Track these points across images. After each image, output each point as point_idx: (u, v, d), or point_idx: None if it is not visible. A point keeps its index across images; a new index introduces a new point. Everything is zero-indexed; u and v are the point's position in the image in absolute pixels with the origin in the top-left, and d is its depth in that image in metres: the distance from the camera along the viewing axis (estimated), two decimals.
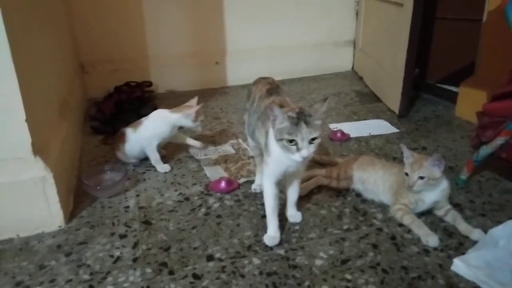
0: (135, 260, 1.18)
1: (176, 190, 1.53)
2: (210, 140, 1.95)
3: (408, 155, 1.30)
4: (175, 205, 1.44)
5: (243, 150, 1.84)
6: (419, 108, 2.30)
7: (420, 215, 1.32)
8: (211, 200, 1.46)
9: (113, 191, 1.50)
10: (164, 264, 1.16)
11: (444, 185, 1.29)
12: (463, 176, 1.49)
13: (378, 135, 1.96)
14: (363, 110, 2.29)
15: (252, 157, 1.69)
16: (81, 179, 1.49)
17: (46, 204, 1.28)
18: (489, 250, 1.11)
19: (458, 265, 1.09)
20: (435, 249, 1.18)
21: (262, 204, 1.27)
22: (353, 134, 1.95)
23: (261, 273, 1.12)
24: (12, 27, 1.16)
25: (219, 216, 1.37)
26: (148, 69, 2.61)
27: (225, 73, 2.77)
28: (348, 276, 1.10)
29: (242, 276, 1.11)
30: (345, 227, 1.30)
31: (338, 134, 1.92)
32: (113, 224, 1.34)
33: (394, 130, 2.01)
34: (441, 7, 2.50)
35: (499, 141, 1.36)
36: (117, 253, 1.21)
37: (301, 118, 1.05)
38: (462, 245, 1.20)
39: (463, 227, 1.25)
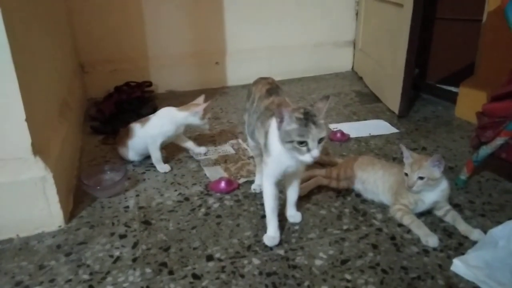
0: (134, 260, 1.18)
1: (176, 190, 1.53)
2: (210, 140, 1.95)
3: (408, 156, 1.30)
4: (175, 205, 1.44)
5: (243, 150, 1.84)
6: (419, 108, 2.30)
7: (420, 215, 1.32)
8: (211, 200, 1.46)
9: (113, 191, 1.50)
10: (164, 264, 1.16)
11: (444, 185, 1.29)
12: (463, 176, 1.49)
13: (378, 135, 1.96)
14: (363, 110, 2.29)
15: (252, 157, 1.69)
16: (81, 179, 1.49)
17: (46, 204, 1.27)
18: (489, 250, 1.11)
19: (458, 265, 1.09)
20: (434, 249, 1.19)
21: (262, 204, 1.27)
22: (353, 134, 1.95)
23: (260, 273, 1.12)
24: (12, 27, 1.16)
25: (219, 216, 1.37)
26: (148, 69, 2.61)
27: (225, 73, 2.77)
28: (348, 276, 1.10)
29: (242, 276, 1.11)
30: (344, 227, 1.30)
31: (338, 134, 1.92)
32: (113, 224, 1.34)
33: (394, 130, 2.02)
34: (441, 7, 2.50)
35: (499, 141, 1.36)
36: (116, 253, 1.21)
37: (309, 118, 1.05)
38: (461, 245, 1.20)
39: (462, 227, 1.25)
